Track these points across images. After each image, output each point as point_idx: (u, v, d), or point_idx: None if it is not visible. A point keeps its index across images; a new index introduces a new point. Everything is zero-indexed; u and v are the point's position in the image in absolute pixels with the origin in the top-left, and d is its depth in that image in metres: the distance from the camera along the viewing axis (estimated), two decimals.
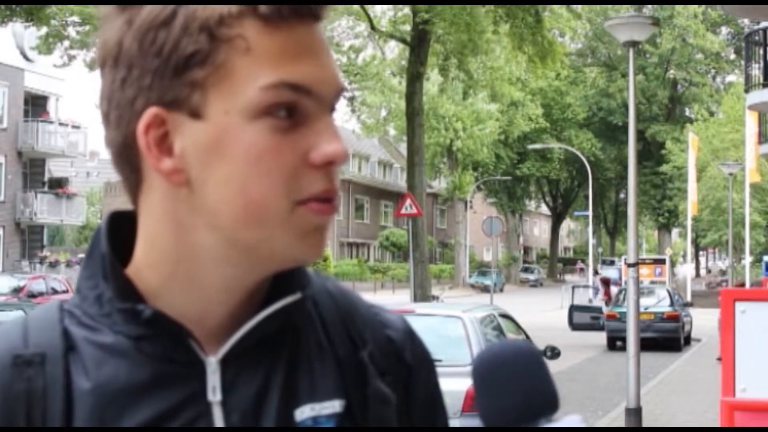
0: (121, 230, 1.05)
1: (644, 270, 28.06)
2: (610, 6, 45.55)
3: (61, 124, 41.59)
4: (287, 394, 1.03)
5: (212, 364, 1.01)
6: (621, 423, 11.83)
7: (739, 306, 4.62)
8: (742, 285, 22.70)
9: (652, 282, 28.88)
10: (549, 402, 1.03)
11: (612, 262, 63.74)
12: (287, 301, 1.04)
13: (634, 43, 11.71)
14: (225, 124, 0.95)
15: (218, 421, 1.00)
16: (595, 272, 26.71)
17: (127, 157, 1.00)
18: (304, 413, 1.02)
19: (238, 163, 0.95)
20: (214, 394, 1.00)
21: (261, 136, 0.95)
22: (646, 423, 11.86)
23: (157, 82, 0.96)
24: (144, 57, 0.96)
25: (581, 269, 72.06)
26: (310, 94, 0.96)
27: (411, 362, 1.14)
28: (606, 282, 26.59)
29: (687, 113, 66.85)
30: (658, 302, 24.28)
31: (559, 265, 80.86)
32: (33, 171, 41.37)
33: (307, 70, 0.96)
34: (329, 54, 1.00)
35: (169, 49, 0.95)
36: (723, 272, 61.10)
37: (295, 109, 0.96)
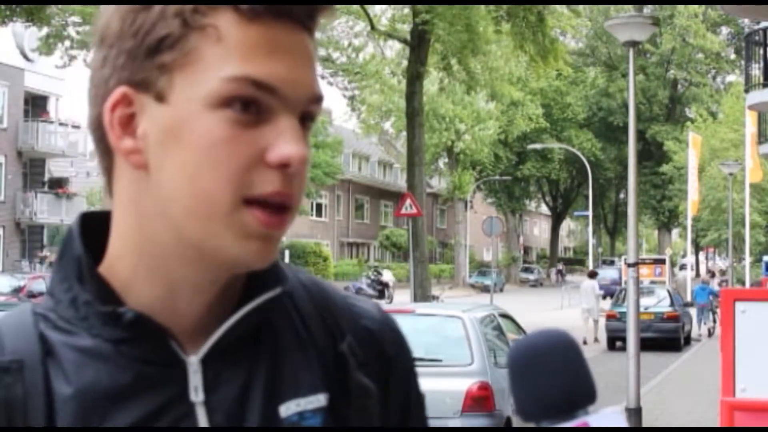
0: (93, 231, 1.04)
1: (644, 270, 28.02)
2: (612, 6, 45.52)
3: (61, 124, 41.62)
4: (271, 390, 1.02)
5: (193, 364, 1.00)
6: None
7: (739, 306, 4.62)
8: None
9: (652, 282, 28.83)
10: (588, 393, 1.02)
11: (612, 262, 63.77)
12: (267, 297, 1.03)
13: (634, 43, 11.71)
14: (185, 110, 0.95)
15: (202, 421, 0.99)
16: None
17: (100, 138, 1.01)
18: (289, 409, 1.02)
19: (192, 150, 0.95)
20: (197, 394, 0.99)
21: (217, 126, 0.94)
22: (646, 423, 11.86)
23: (130, 62, 0.97)
24: (122, 37, 0.97)
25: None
26: (275, 93, 0.95)
27: (390, 353, 1.12)
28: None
29: (687, 113, 66.84)
30: (658, 302, 24.25)
31: (559, 265, 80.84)
32: (33, 171, 41.40)
33: (276, 68, 0.96)
34: (310, 63, 0.99)
35: (144, 30, 0.96)
36: (723, 272, 61.07)
37: (258, 106, 0.95)
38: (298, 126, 0.97)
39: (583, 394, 1.01)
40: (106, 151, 1.01)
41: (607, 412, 1.00)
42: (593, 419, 0.99)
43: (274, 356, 1.04)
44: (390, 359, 1.12)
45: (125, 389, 0.97)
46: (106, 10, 1.00)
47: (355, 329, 1.11)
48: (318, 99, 1.00)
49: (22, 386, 0.96)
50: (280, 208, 0.96)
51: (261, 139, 0.95)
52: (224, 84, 0.94)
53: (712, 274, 41.73)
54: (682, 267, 56.05)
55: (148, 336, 0.98)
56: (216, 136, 0.94)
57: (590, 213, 54.68)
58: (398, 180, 67.20)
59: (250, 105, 0.95)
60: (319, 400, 1.04)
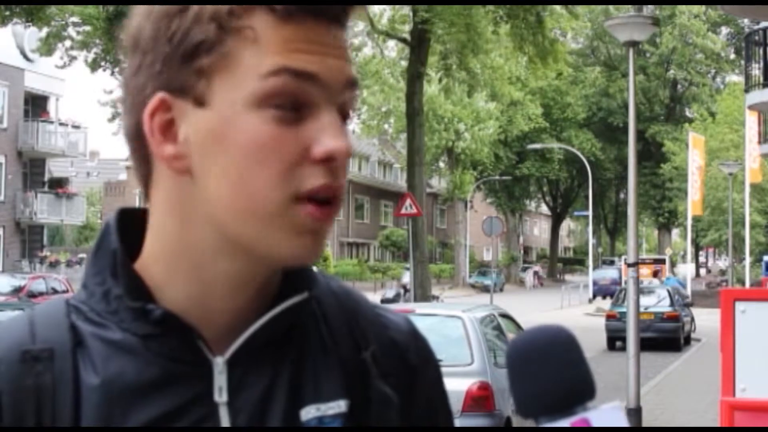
0: (128, 227, 1.05)
1: (644, 270, 28.04)
2: (612, 6, 45.51)
3: (61, 124, 41.63)
4: (293, 394, 1.03)
5: (219, 364, 1.01)
6: None
7: (739, 306, 4.61)
8: None
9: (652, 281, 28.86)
10: (587, 389, 1.01)
11: (612, 262, 63.77)
12: (293, 301, 1.04)
13: (634, 43, 11.71)
14: (227, 113, 0.96)
15: (225, 422, 1.00)
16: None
17: (138, 146, 1.01)
18: (309, 413, 1.02)
19: (237, 152, 0.95)
20: (221, 395, 1.00)
21: (262, 126, 0.95)
22: (646, 423, 11.86)
23: (167, 68, 0.97)
24: (156, 44, 0.97)
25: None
26: (316, 81, 0.96)
27: (415, 363, 1.13)
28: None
29: (687, 113, 66.86)
30: (658, 302, 24.26)
31: (559, 265, 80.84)
32: (33, 171, 41.39)
33: (314, 59, 0.96)
34: (344, 53, 1.00)
35: (180, 36, 0.96)
36: (723, 272, 61.09)
37: (300, 102, 0.96)
38: (339, 120, 0.98)
39: (581, 389, 1.00)
40: (143, 159, 1.01)
41: (606, 408, 0.99)
42: (593, 416, 0.98)
43: (298, 360, 1.05)
44: (415, 368, 1.13)
45: (150, 384, 0.98)
46: (138, 13, 1.00)
47: (381, 340, 1.11)
48: (353, 83, 1.00)
49: (51, 374, 0.98)
50: (327, 202, 0.97)
51: (305, 135, 0.96)
52: (263, 81, 0.95)
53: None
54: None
55: (176, 334, 0.99)
56: (262, 136, 0.95)
57: (590, 213, 54.69)
58: (398, 180, 67.22)
59: (291, 103, 0.95)
60: (339, 405, 1.04)
